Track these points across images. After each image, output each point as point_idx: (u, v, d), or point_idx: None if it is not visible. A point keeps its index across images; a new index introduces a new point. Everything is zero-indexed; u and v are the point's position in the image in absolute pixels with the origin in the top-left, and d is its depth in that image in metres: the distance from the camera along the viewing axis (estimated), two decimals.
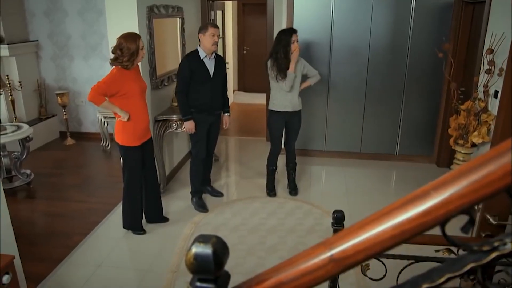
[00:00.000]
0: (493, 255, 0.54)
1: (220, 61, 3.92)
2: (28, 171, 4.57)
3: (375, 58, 4.96)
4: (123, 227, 3.65)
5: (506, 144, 0.52)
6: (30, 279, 2.84)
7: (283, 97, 4.01)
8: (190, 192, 4.14)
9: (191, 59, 3.73)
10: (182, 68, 3.75)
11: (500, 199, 1.73)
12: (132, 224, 3.62)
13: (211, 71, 3.78)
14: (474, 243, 0.57)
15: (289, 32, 3.88)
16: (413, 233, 0.56)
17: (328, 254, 0.61)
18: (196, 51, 3.77)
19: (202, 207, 4.06)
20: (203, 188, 4.26)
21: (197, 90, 3.75)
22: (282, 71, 3.87)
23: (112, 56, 3.24)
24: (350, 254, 0.60)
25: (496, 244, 0.54)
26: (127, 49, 3.15)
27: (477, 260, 0.56)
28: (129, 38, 3.17)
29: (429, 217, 0.55)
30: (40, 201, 4.37)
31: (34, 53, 6.04)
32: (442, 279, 0.58)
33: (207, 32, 3.65)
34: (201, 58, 3.73)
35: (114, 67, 3.24)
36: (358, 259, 0.60)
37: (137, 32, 3.64)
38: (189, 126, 3.82)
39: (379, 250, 0.59)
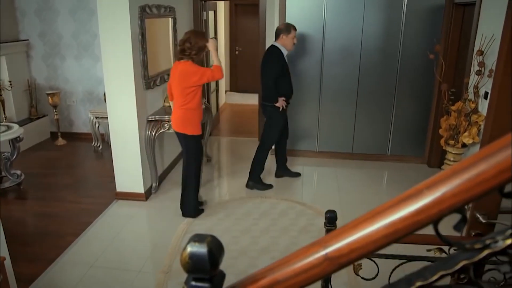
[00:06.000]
0: (485, 252, 0.55)
1: None
2: (19, 172, 4.52)
3: (367, 59, 4.99)
4: (187, 215, 3.87)
5: (499, 142, 0.52)
6: (22, 279, 2.82)
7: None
8: (252, 180, 4.47)
9: (281, 53, 4.16)
10: (278, 59, 4.12)
11: (489, 198, 1.75)
12: (197, 209, 3.91)
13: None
14: (467, 241, 0.57)
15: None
16: (407, 231, 0.57)
17: (323, 252, 0.62)
18: (278, 47, 4.14)
19: (268, 186, 4.50)
20: (283, 172, 4.77)
21: (283, 80, 4.18)
22: None
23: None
24: (345, 253, 0.60)
25: (487, 242, 0.55)
26: (195, 44, 3.42)
27: (469, 258, 0.56)
28: (199, 34, 3.54)
29: (422, 215, 0.56)
30: (31, 202, 4.33)
31: (25, 53, 5.98)
32: (435, 277, 0.58)
33: (290, 35, 4.10)
34: (283, 53, 4.15)
35: (189, 61, 3.45)
36: (352, 258, 0.60)
37: (129, 32, 3.65)
38: (281, 102, 4.19)
39: (373, 248, 0.59)
